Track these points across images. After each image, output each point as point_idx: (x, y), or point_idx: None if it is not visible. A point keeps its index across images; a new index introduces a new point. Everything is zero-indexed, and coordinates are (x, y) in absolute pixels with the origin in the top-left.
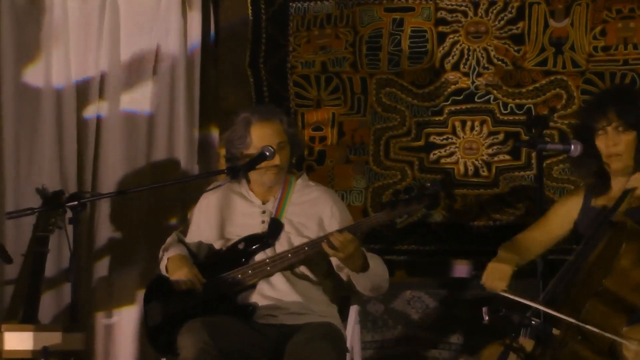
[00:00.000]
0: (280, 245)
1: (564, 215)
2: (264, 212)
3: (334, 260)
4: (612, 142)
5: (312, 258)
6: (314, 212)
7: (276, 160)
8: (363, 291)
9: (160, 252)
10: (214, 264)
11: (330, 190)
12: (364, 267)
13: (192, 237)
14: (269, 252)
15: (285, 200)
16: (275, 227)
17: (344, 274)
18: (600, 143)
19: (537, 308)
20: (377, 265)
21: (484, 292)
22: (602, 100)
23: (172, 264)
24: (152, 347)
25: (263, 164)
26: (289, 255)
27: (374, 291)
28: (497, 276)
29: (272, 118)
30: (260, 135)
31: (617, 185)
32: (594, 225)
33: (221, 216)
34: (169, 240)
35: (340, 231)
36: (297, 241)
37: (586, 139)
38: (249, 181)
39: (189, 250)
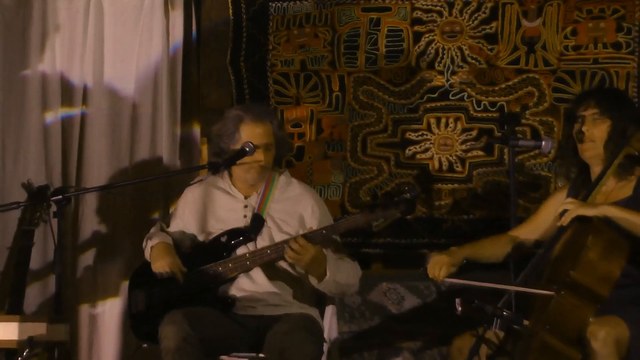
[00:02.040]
0: (262, 240)
1: (548, 208)
2: (246, 206)
3: None
4: (587, 127)
5: None
6: (295, 209)
7: (261, 158)
8: (327, 293)
9: (145, 241)
10: (197, 255)
11: (312, 189)
12: (321, 277)
13: (175, 228)
14: (250, 246)
15: (267, 196)
16: (257, 222)
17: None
18: (577, 130)
19: (481, 287)
20: (339, 272)
21: (431, 282)
22: (585, 92)
23: (156, 251)
24: (133, 334)
25: (247, 160)
26: (269, 251)
27: (336, 295)
28: (436, 266)
29: (263, 119)
30: (250, 134)
31: (595, 175)
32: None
33: (204, 210)
34: (153, 230)
35: (302, 236)
36: (278, 236)
37: (570, 133)
38: (231, 176)
39: (173, 241)
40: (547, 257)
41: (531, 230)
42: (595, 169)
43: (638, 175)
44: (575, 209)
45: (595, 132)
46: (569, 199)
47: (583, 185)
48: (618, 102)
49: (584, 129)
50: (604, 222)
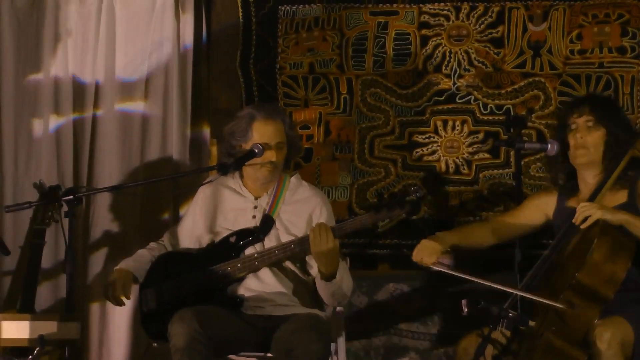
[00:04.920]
0: (269, 241)
1: (536, 206)
2: (255, 207)
3: (308, 257)
4: (581, 134)
5: (298, 255)
6: (304, 210)
7: (272, 157)
8: (322, 296)
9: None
10: (206, 255)
11: (321, 192)
12: (330, 277)
13: (186, 228)
14: (258, 247)
15: (279, 197)
16: (267, 223)
17: (313, 272)
18: (571, 137)
19: (474, 282)
20: (344, 279)
21: (417, 267)
22: (578, 99)
23: (116, 274)
24: (145, 332)
25: (258, 161)
26: (276, 251)
27: (332, 300)
28: (426, 252)
29: (275, 118)
30: (262, 132)
31: (585, 185)
32: (568, 222)
33: (214, 209)
34: (153, 244)
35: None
36: (285, 238)
37: (562, 140)
38: (242, 176)
39: (180, 242)
40: (552, 259)
41: (514, 226)
42: (585, 175)
43: (629, 182)
44: (596, 212)
45: (589, 139)
46: (587, 204)
47: (573, 190)
48: (611, 110)
49: (577, 135)
50: (610, 224)
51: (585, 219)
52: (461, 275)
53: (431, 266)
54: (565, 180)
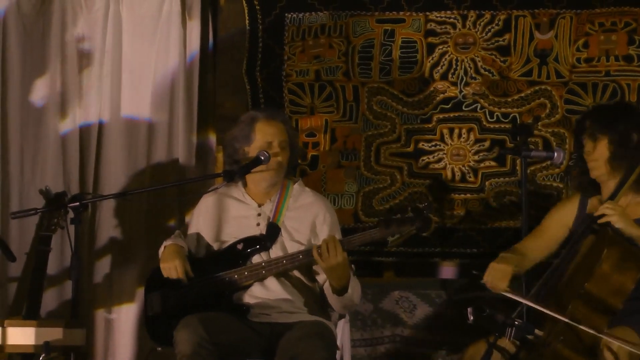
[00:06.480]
0: (275, 248)
1: (557, 221)
2: (259, 214)
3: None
4: (587, 148)
5: (305, 265)
6: (307, 216)
7: (277, 156)
8: (333, 306)
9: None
10: (213, 262)
11: (324, 198)
12: (342, 291)
13: (191, 236)
14: (264, 255)
15: (282, 204)
16: (273, 230)
17: (320, 279)
18: (585, 154)
19: (538, 310)
20: (354, 292)
21: (486, 292)
22: (582, 116)
23: (166, 252)
24: (149, 337)
25: (259, 168)
26: (284, 261)
27: (343, 310)
28: (498, 276)
29: (276, 118)
30: (265, 132)
31: (607, 190)
32: (578, 232)
33: (218, 218)
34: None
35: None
36: (290, 245)
37: (581, 157)
38: (245, 185)
39: (188, 249)
40: (563, 268)
41: (543, 247)
42: (606, 185)
43: None
44: (618, 218)
45: (595, 153)
46: (613, 204)
47: (596, 197)
48: (611, 116)
49: (587, 152)
50: (620, 235)
51: (602, 217)
52: (534, 306)
53: (504, 293)
54: (588, 186)
